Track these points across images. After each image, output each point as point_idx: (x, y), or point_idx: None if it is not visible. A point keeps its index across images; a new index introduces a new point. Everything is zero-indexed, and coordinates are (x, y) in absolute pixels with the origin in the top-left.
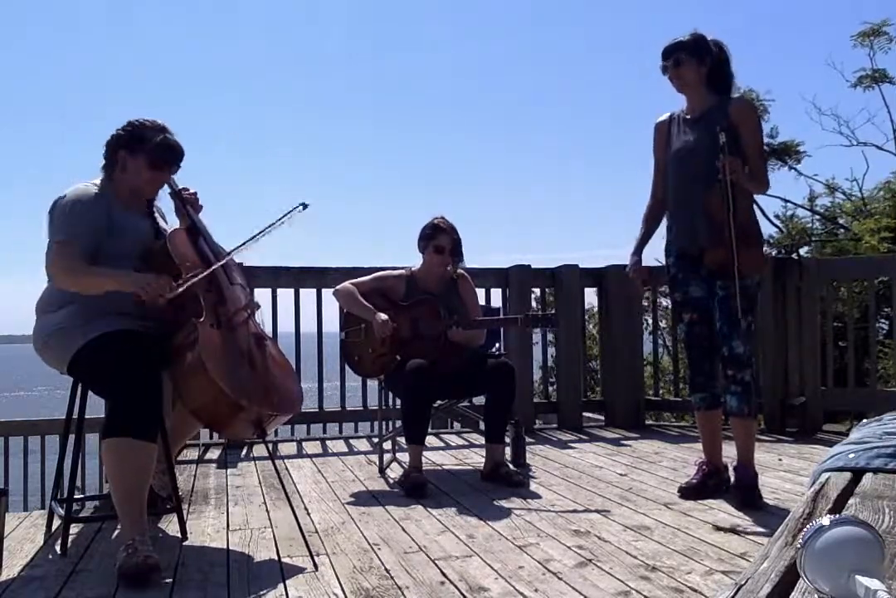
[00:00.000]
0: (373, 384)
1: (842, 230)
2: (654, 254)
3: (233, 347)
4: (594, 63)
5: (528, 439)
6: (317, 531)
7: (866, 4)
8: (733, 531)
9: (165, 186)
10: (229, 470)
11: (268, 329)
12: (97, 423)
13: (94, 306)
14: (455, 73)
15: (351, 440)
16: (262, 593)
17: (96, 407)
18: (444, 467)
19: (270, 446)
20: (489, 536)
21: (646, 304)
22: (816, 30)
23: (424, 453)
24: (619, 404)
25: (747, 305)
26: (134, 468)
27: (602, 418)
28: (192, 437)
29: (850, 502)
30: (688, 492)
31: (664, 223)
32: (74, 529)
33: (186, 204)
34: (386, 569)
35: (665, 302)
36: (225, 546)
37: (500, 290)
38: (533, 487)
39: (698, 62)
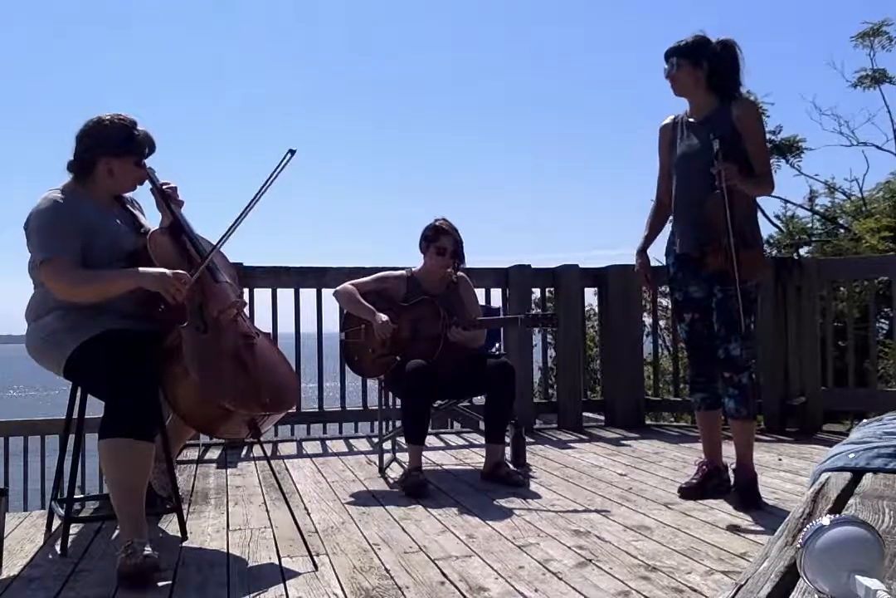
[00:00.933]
0: (373, 384)
1: (842, 230)
2: (655, 254)
3: (219, 349)
4: (594, 63)
5: (528, 439)
6: (317, 531)
7: (866, 4)
8: (734, 530)
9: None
10: (229, 470)
11: (268, 329)
12: (97, 423)
13: (86, 307)
14: (455, 73)
15: (351, 440)
16: (262, 593)
17: (96, 407)
18: (444, 467)
19: (269, 446)
20: (489, 536)
21: (646, 304)
22: (816, 30)
23: (424, 453)
24: (619, 404)
25: (746, 307)
26: (132, 469)
27: (602, 418)
28: (191, 437)
29: (850, 502)
30: (688, 492)
31: (668, 225)
32: (74, 529)
33: (168, 199)
34: (386, 569)
35: (665, 302)
36: (225, 546)
37: (500, 290)
38: (533, 487)
39: (693, 66)
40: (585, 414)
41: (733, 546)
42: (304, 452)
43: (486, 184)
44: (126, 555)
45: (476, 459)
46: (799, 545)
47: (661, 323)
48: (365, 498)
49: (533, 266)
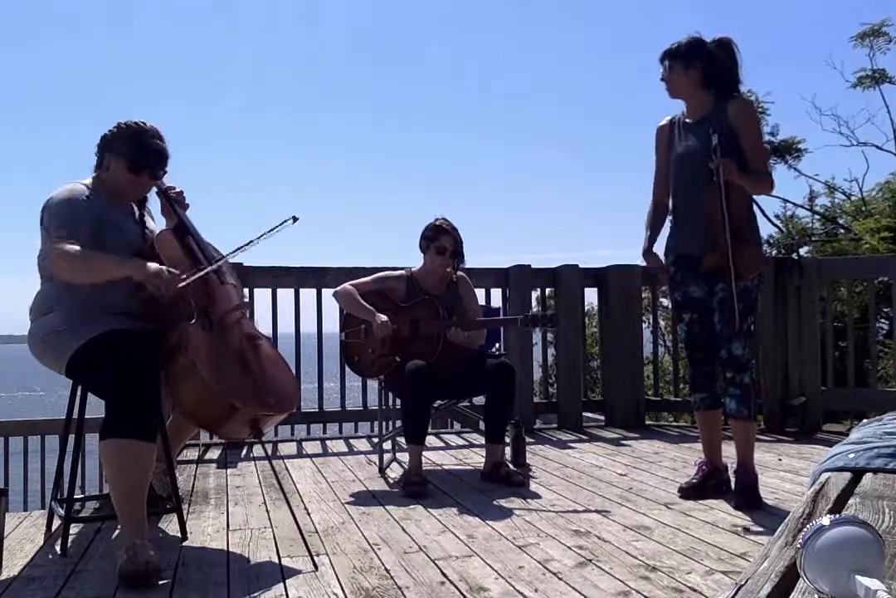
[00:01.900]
0: (373, 384)
1: (842, 230)
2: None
3: (225, 348)
4: (595, 64)
5: (528, 439)
6: (317, 531)
7: (866, 5)
8: (734, 530)
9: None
10: (229, 470)
11: (268, 329)
12: (97, 423)
13: (89, 306)
14: (456, 73)
15: (351, 440)
16: (262, 593)
17: (96, 407)
18: (444, 467)
19: (269, 446)
20: (489, 536)
21: (646, 304)
22: (816, 30)
23: (424, 453)
24: (619, 404)
25: (747, 307)
26: (133, 469)
27: (602, 418)
28: (192, 437)
29: (850, 502)
30: (688, 492)
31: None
32: (74, 529)
33: (173, 203)
34: (386, 569)
35: (665, 302)
36: (225, 546)
37: (500, 290)
38: (533, 487)
39: (685, 68)
40: (585, 414)
41: (733, 546)
42: (304, 452)
43: (486, 184)
44: (128, 558)
45: (476, 459)
46: (799, 545)
47: (662, 323)
48: (365, 498)
49: (533, 266)
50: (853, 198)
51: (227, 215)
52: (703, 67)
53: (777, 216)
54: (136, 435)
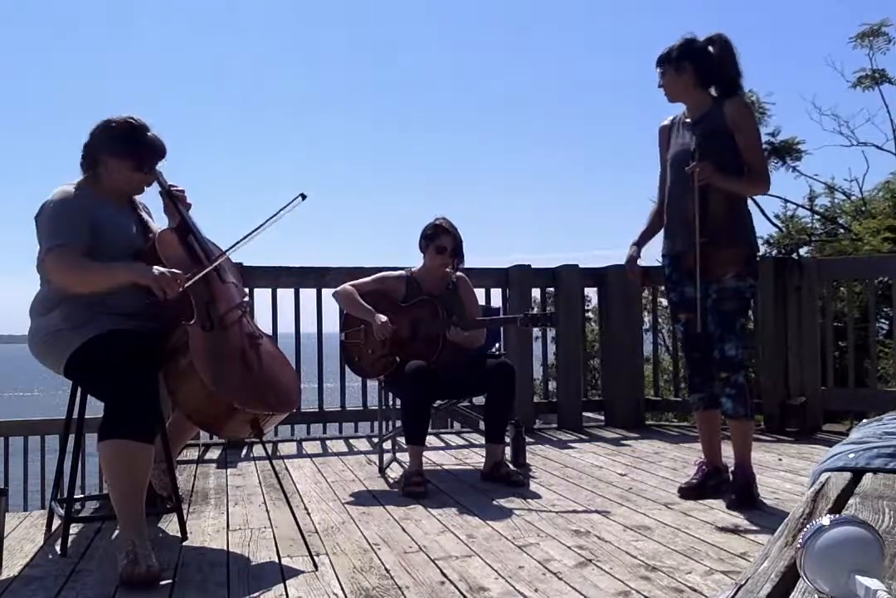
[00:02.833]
0: (373, 384)
1: (842, 230)
2: (655, 254)
3: (225, 348)
4: (595, 64)
5: (528, 439)
6: (317, 531)
7: (866, 5)
8: (734, 530)
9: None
10: (229, 470)
11: (268, 329)
12: (97, 423)
13: (89, 306)
14: (455, 73)
15: (351, 440)
16: (262, 593)
17: (96, 407)
18: (444, 467)
19: (269, 446)
20: (489, 536)
21: (646, 304)
22: (816, 30)
23: (424, 453)
24: (619, 404)
25: (739, 307)
26: (132, 470)
27: (602, 418)
28: (192, 437)
29: (850, 502)
30: (688, 492)
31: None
32: (74, 529)
33: (176, 201)
34: (386, 569)
35: (665, 302)
36: (225, 546)
37: (500, 290)
38: (533, 487)
39: (676, 71)
40: (585, 414)
41: (733, 546)
42: (304, 452)
43: (486, 184)
44: (129, 561)
45: (476, 459)
46: (799, 545)
47: (662, 323)
48: (365, 498)
49: (533, 266)
50: (853, 198)
51: (227, 215)
52: (695, 67)
53: (777, 216)
54: (134, 436)
